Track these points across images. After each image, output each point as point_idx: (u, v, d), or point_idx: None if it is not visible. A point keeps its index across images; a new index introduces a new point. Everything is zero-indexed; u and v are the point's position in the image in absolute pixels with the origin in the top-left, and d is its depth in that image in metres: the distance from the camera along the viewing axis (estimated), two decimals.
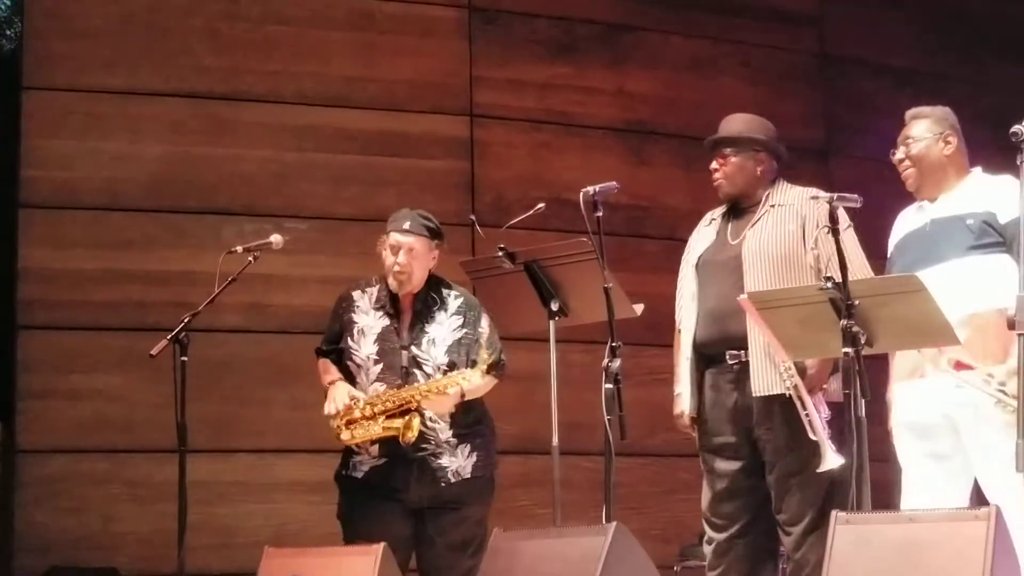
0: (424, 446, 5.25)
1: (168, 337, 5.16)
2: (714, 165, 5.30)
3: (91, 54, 6.93)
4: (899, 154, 5.00)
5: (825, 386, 5.12)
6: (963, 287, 4.72)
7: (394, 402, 5.20)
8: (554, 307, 5.05)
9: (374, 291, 5.42)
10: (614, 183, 5.03)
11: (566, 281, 5.05)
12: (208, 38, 7.11)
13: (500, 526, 4.90)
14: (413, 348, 5.32)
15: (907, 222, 5.07)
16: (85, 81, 6.91)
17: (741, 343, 5.09)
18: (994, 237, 4.77)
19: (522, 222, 5.22)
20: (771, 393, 5.04)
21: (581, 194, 4.98)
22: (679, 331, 5.29)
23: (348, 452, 5.34)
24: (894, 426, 4.96)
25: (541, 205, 5.24)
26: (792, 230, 5.16)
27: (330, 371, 5.37)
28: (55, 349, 6.71)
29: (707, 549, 5.27)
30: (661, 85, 7.80)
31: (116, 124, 6.92)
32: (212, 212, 6.93)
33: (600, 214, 4.97)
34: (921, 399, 4.86)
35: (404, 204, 6.84)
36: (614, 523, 4.49)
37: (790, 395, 5.00)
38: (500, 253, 5.08)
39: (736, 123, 5.38)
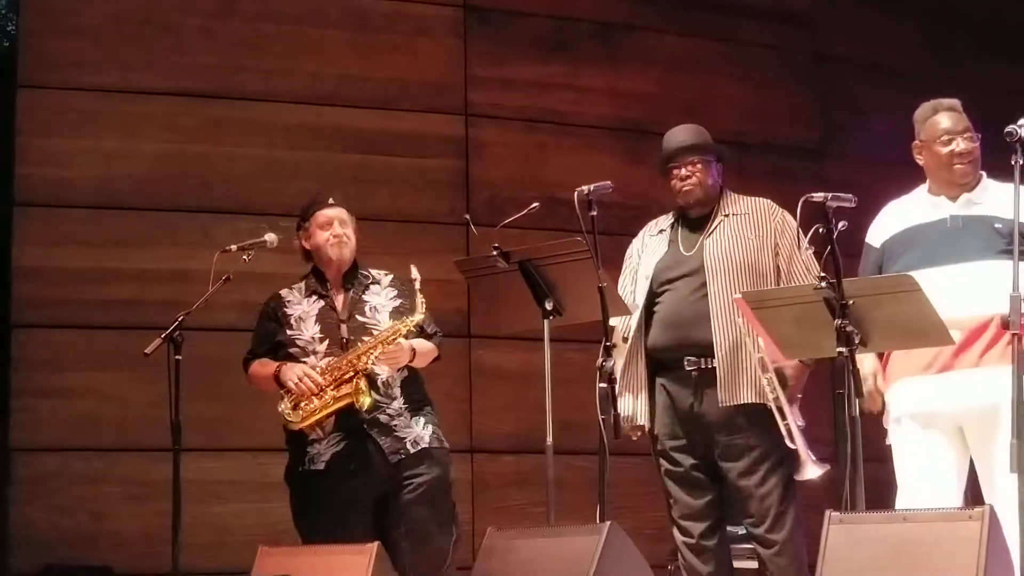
0: (379, 416, 5.21)
1: (162, 336, 5.17)
2: (685, 172, 5.32)
3: (85, 52, 6.92)
4: (964, 145, 4.96)
5: (800, 395, 5.16)
6: (991, 288, 4.70)
7: (341, 368, 5.18)
8: (548, 306, 5.06)
9: (301, 285, 5.45)
10: (608, 182, 5.05)
11: (560, 280, 5.05)
12: (202, 36, 7.11)
13: (494, 525, 4.90)
14: (357, 317, 5.32)
15: (914, 214, 5.04)
16: (79, 79, 6.90)
17: (702, 351, 5.12)
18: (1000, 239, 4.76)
19: (516, 221, 5.22)
20: (737, 403, 5.08)
21: (575, 193, 4.99)
22: (623, 339, 5.28)
23: (300, 446, 5.26)
24: (896, 419, 4.95)
25: (535, 204, 5.24)
26: (751, 239, 5.23)
27: (268, 363, 5.33)
28: (49, 347, 6.70)
29: (685, 554, 5.30)
30: (655, 84, 7.80)
31: (110, 122, 6.91)
32: (206, 211, 6.92)
33: (594, 213, 4.99)
34: (932, 394, 4.85)
35: (398, 203, 6.89)
36: (608, 522, 4.49)
37: (770, 406, 5.03)
38: (494, 252, 5.09)
39: (694, 133, 5.42)
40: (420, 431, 5.28)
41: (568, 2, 7.76)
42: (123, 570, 6.51)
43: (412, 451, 5.23)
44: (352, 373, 5.17)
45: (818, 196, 4.66)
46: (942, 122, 4.98)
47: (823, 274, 4.55)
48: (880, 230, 5.11)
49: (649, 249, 5.39)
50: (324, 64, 7.26)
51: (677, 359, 5.21)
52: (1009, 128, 4.49)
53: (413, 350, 5.27)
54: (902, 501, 4.90)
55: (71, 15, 6.93)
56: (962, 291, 4.63)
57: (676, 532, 5.31)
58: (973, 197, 4.94)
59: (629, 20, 7.85)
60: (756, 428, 5.13)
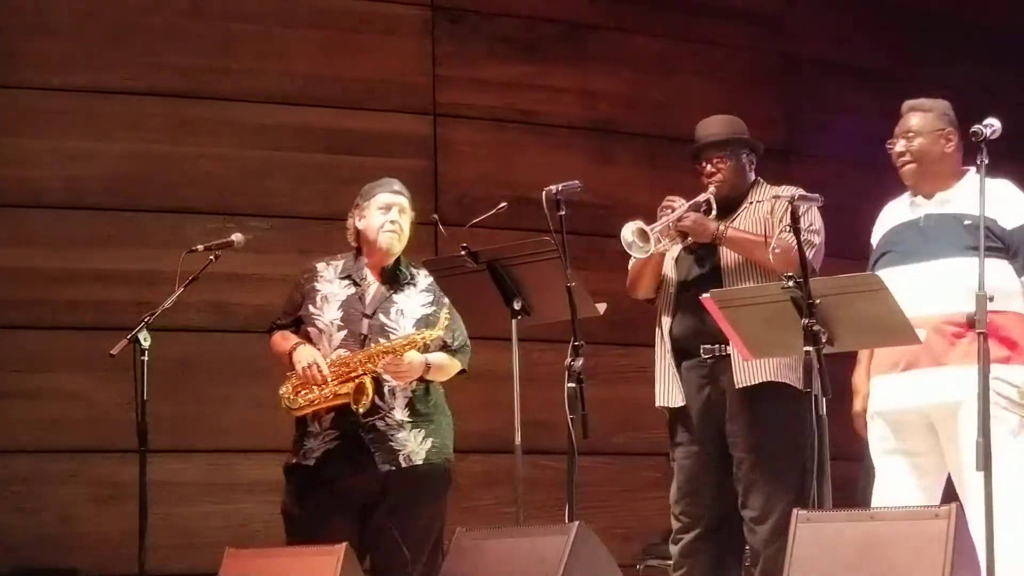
0: (377, 423, 5.16)
1: (128, 336, 5.14)
2: (710, 168, 5.32)
3: (53, 52, 6.89)
4: (899, 147, 4.98)
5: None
6: (957, 285, 4.72)
7: (350, 366, 5.13)
8: (517, 306, 5.05)
9: (339, 263, 5.37)
10: (577, 182, 5.04)
11: (529, 280, 5.04)
12: (170, 36, 7.07)
13: (463, 525, 4.89)
14: (380, 316, 5.24)
15: (896, 214, 5.06)
16: (47, 79, 6.86)
17: (718, 338, 5.11)
18: (993, 242, 4.76)
19: (485, 221, 5.22)
20: (752, 384, 5.07)
21: (544, 193, 4.99)
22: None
23: (300, 438, 5.22)
24: (870, 415, 4.97)
25: (504, 204, 5.24)
26: (763, 217, 5.24)
27: (289, 338, 5.26)
28: (15, 349, 6.66)
29: (673, 548, 5.28)
30: (625, 84, 7.80)
31: (78, 122, 6.87)
32: (174, 211, 6.89)
33: (563, 213, 4.98)
34: (901, 392, 4.87)
35: None
36: (577, 522, 4.49)
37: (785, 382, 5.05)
38: (463, 252, 5.08)
39: (720, 125, 5.41)
40: (416, 447, 5.19)
41: (537, 2, 7.76)
42: (90, 572, 6.48)
43: (404, 466, 5.16)
44: (359, 373, 5.12)
45: (786, 195, 4.67)
46: (900, 123, 5.02)
47: (790, 273, 4.56)
48: (876, 231, 5.14)
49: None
50: (293, 64, 7.24)
51: (694, 347, 5.21)
52: (975, 128, 4.52)
53: (426, 366, 5.20)
54: (878, 495, 4.90)
55: (39, 15, 6.89)
56: (928, 289, 4.65)
57: (674, 523, 5.28)
58: (947, 195, 4.95)
59: (598, 20, 7.85)
60: (770, 422, 5.10)
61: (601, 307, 5.30)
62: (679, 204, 5.16)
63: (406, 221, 5.33)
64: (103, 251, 6.80)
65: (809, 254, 5.02)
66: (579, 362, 4.87)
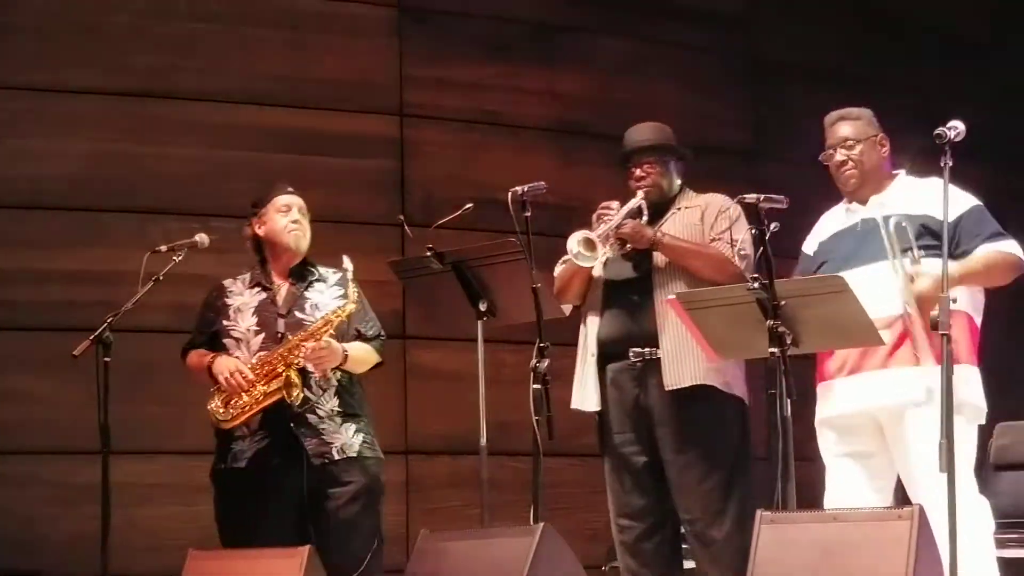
0: (308, 416, 5.14)
1: (91, 337, 5.11)
2: (640, 172, 5.34)
3: (16, 51, 6.84)
4: (839, 156, 5.02)
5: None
6: (893, 288, 4.76)
7: (271, 363, 5.11)
8: (482, 307, 5.06)
9: (246, 276, 5.38)
10: (542, 183, 5.05)
11: (494, 281, 5.05)
12: (134, 35, 7.04)
13: (429, 527, 4.88)
14: (296, 313, 5.23)
15: (835, 222, 5.10)
16: (9, 78, 6.81)
17: (647, 341, 5.13)
18: (929, 240, 4.79)
19: (451, 222, 5.22)
20: (682, 387, 5.09)
21: (509, 194, 4.99)
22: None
23: (225, 441, 5.20)
24: (817, 423, 5.00)
25: (469, 205, 5.23)
26: (695, 224, 5.29)
27: (205, 354, 5.25)
28: None
29: (620, 554, 5.30)
30: (592, 86, 7.81)
31: (40, 122, 6.83)
32: (137, 211, 6.86)
33: (528, 214, 4.99)
34: (846, 396, 4.89)
35: (333, 203, 6.84)
36: (542, 524, 4.49)
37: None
38: (429, 253, 5.08)
39: (650, 131, 5.45)
40: (349, 439, 5.18)
41: (505, 3, 7.75)
42: (53, 574, 6.43)
43: (338, 458, 5.14)
44: (283, 367, 5.10)
45: (751, 197, 4.69)
46: (830, 134, 5.07)
47: (755, 275, 4.57)
48: (812, 239, 5.18)
49: None
50: (258, 64, 7.21)
51: (623, 350, 5.23)
52: (938, 130, 4.53)
53: (345, 354, 5.20)
54: (830, 498, 4.92)
55: (1, 13, 6.85)
56: (868, 293, 4.65)
57: (615, 530, 5.31)
58: (882, 199, 4.99)
59: (566, 22, 7.85)
60: (699, 424, 5.15)
61: (567, 308, 5.31)
62: (615, 210, 5.19)
63: (306, 220, 5.35)
64: (65, 251, 6.76)
65: (742, 265, 5.15)
66: (544, 363, 4.88)
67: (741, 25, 8.29)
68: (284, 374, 5.08)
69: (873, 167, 5.01)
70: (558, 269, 5.34)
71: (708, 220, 5.28)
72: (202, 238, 5.43)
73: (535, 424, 4.83)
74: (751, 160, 8.01)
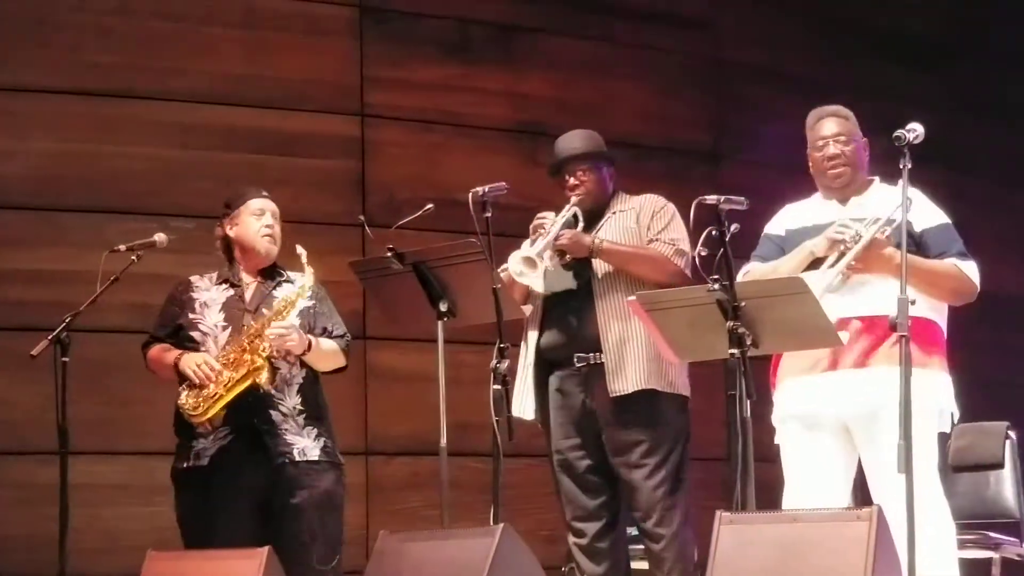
0: (271, 413, 5.12)
1: (49, 337, 5.08)
2: (574, 181, 5.39)
3: None
4: (833, 148, 5.02)
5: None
6: (874, 289, 4.79)
7: (237, 351, 5.08)
8: (443, 308, 5.06)
9: (213, 274, 5.35)
10: (503, 184, 5.06)
11: (455, 282, 5.05)
12: (96, 35, 7.00)
13: (388, 528, 4.87)
14: (264, 310, 5.20)
15: (808, 214, 5.09)
16: None
17: (591, 346, 5.17)
18: (909, 245, 4.81)
19: (412, 222, 5.22)
20: (625, 392, 5.13)
21: (470, 194, 4.99)
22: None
23: (186, 439, 5.17)
24: (781, 419, 5.00)
25: (430, 206, 5.23)
26: (631, 227, 5.34)
27: (171, 350, 5.21)
28: None
29: (577, 556, 5.33)
30: (553, 86, 7.81)
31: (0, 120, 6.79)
32: (97, 210, 6.82)
33: (489, 215, 5.00)
34: (814, 394, 4.90)
35: (294, 204, 6.80)
36: (501, 524, 4.49)
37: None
38: (389, 254, 5.07)
39: (581, 139, 5.50)
40: (310, 443, 5.15)
41: (466, 4, 7.74)
42: (11, 575, 6.39)
43: (298, 460, 5.12)
44: (248, 354, 5.07)
45: (711, 199, 4.70)
46: (820, 129, 5.07)
47: (716, 276, 4.58)
48: (779, 223, 5.18)
49: None
50: (219, 64, 7.18)
51: (567, 356, 5.25)
52: (898, 132, 4.55)
53: (309, 341, 5.17)
54: (788, 502, 4.94)
55: None
56: (845, 293, 4.68)
57: (569, 533, 5.34)
58: (861, 200, 5.01)
59: (527, 22, 7.85)
60: (645, 422, 5.21)
61: (527, 309, 5.32)
62: (550, 221, 5.21)
63: (278, 225, 5.33)
64: (24, 251, 6.71)
65: (681, 263, 5.21)
66: (504, 364, 4.90)
67: (703, 27, 8.31)
68: (250, 358, 5.05)
69: (860, 166, 5.05)
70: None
71: (644, 222, 5.35)
72: (161, 238, 5.41)
73: (495, 425, 4.85)
74: (712, 161, 8.03)
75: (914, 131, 4.55)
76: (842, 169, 5.02)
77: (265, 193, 5.37)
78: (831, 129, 5.04)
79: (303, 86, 7.31)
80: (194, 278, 5.36)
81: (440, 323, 5.06)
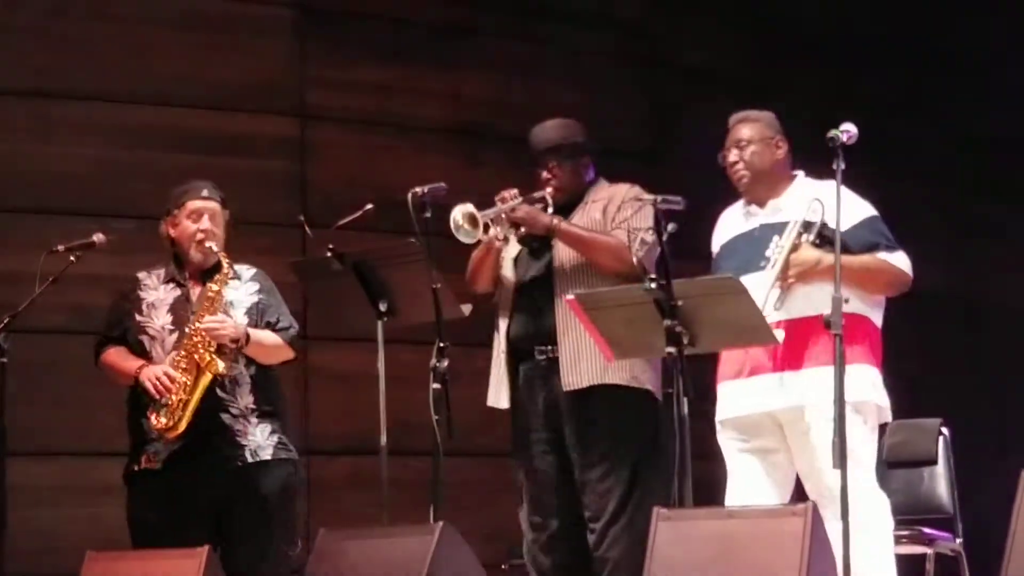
0: (222, 415, 5.12)
1: None
2: (546, 175, 5.36)
3: None
4: (732, 156, 5.09)
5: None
6: (794, 292, 4.84)
7: (185, 354, 5.08)
8: (382, 308, 5.07)
9: (160, 271, 5.34)
10: (443, 184, 5.08)
11: (395, 282, 5.07)
12: (34, 35, 6.97)
13: (328, 526, 4.88)
14: (197, 309, 5.21)
15: (734, 224, 5.16)
16: None
17: (550, 339, 5.18)
18: (827, 246, 4.86)
19: (352, 223, 5.23)
20: (579, 387, 5.13)
21: (409, 195, 5.01)
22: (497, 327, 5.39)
23: (139, 442, 5.17)
24: (718, 421, 5.06)
25: (370, 206, 5.25)
26: (596, 218, 5.31)
27: (130, 358, 5.20)
28: None
29: (532, 553, 5.32)
30: (492, 88, 7.84)
31: None
32: (36, 211, 6.79)
33: (428, 215, 5.01)
34: (747, 398, 4.95)
35: (234, 204, 6.77)
36: (441, 523, 4.52)
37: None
38: (329, 254, 5.08)
39: (554, 130, 5.44)
40: (263, 441, 5.17)
41: (406, 5, 7.76)
42: None
43: (251, 461, 5.14)
44: (196, 353, 5.08)
45: (649, 198, 4.74)
46: (731, 134, 5.13)
47: (653, 275, 4.62)
48: (715, 239, 5.25)
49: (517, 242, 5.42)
50: (158, 64, 7.16)
51: (530, 348, 5.27)
52: (831, 133, 4.61)
53: (247, 332, 5.17)
54: (731, 495, 4.99)
55: None
56: (760, 299, 4.72)
57: (526, 529, 5.33)
58: (779, 203, 5.06)
59: (466, 24, 7.87)
60: (603, 421, 5.18)
61: (466, 308, 5.34)
62: (513, 197, 5.22)
63: (219, 225, 5.30)
64: None
65: (642, 252, 5.16)
66: (444, 363, 4.91)
67: (640, 28, 8.36)
68: (199, 356, 5.06)
69: (765, 168, 5.07)
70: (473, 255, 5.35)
71: (610, 212, 5.30)
72: (99, 238, 5.38)
73: (435, 424, 4.86)
74: (651, 162, 8.07)
75: (847, 132, 4.60)
76: (742, 174, 5.08)
77: (205, 193, 5.32)
78: (734, 135, 5.11)
79: (243, 87, 7.31)
80: (142, 275, 5.34)
81: (380, 323, 5.08)
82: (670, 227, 4.70)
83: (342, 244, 5.10)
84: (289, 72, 7.43)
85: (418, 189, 5.03)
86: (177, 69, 7.19)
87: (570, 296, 4.85)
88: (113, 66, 7.08)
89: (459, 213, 5.08)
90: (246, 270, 5.35)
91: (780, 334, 4.73)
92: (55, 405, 6.48)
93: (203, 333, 5.08)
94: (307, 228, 5.55)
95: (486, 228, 5.14)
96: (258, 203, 7.21)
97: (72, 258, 5.31)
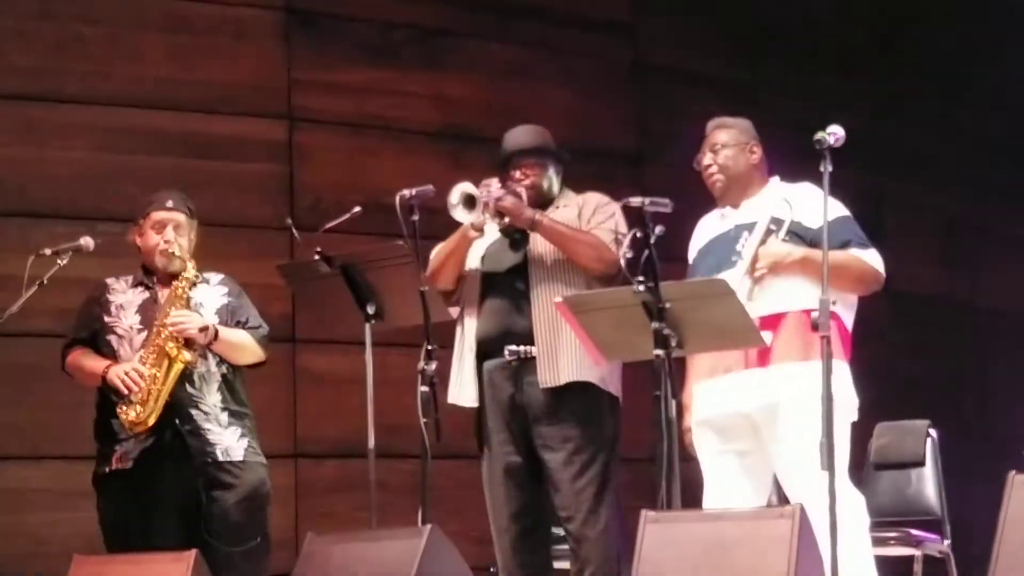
0: (192, 412, 5.14)
1: None
2: (519, 175, 5.38)
3: None
4: (707, 160, 5.13)
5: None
6: (767, 290, 4.86)
7: (152, 350, 5.10)
8: (370, 310, 5.07)
9: (129, 277, 5.36)
10: (430, 186, 5.07)
11: (383, 284, 5.07)
12: (19, 38, 6.95)
13: (316, 530, 4.88)
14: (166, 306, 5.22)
15: (710, 228, 5.21)
16: None
17: (523, 339, 5.17)
18: (799, 243, 4.89)
19: (340, 226, 5.22)
20: (557, 384, 5.13)
21: (397, 197, 5.01)
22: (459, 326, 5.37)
23: (108, 443, 5.17)
24: (693, 425, 5.07)
25: (358, 208, 5.25)
26: (572, 219, 5.31)
27: (96, 358, 5.22)
28: None
29: (499, 555, 5.33)
30: (479, 90, 7.84)
31: None
32: (22, 215, 6.77)
33: (416, 217, 5.01)
34: (721, 397, 4.96)
35: (220, 208, 6.81)
36: (428, 525, 4.51)
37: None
38: (317, 257, 5.08)
39: (530, 134, 5.48)
40: (233, 442, 5.19)
41: (392, 7, 7.75)
42: None
43: (221, 460, 5.15)
44: (164, 347, 5.09)
45: (636, 201, 4.75)
46: (707, 139, 5.17)
47: (641, 278, 4.62)
48: (691, 246, 5.27)
49: (486, 238, 5.41)
50: (144, 67, 7.15)
51: (499, 347, 5.25)
52: (818, 136, 4.61)
53: (215, 329, 5.17)
54: (709, 497, 5.00)
55: None
56: (739, 295, 4.74)
57: (494, 531, 5.33)
58: (754, 203, 5.10)
59: (453, 26, 7.87)
60: (575, 419, 5.17)
61: (454, 311, 5.34)
62: (495, 186, 5.22)
63: (183, 236, 5.30)
64: None
65: (619, 252, 5.12)
66: (432, 366, 4.92)
67: (626, 30, 8.37)
68: (167, 349, 5.06)
69: (739, 172, 5.11)
70: (433, 252, 5.35)
71: (585, 215, 5.32)
72: (87, 241, 5.39)
73: (423, 426, 4.86)
74: (636, 164, 8.09)
75: (834, 134, 4.61)
76: (716, 178, 5.12)
77: (170, 203, 5.33)
78: (709, 140, 5.16)
79: (230, 89, 7.30)
80: (110, 280, 5.36)
81: (368, 325, 5.08)
82: (658, 229, 4.71)
83: (329, 247, 5.10)
84: (276, 75, 7.42)
85: (406, 192, 5.03)
86: (163, 72, 7.18)
87: (558, 299, 4.85)
88: (97, 69, 7.06)
89: (459, 192, 5.09)
90: (214, 275, 5.39)
91: (768, 335, 4.74)
92: (42, 408, 6.46)
93: (170, 328, 5.08)
94: (295, 231, 5.55)
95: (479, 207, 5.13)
96: (245, 206, 7.21)
97: (59, 262, 5.32)
